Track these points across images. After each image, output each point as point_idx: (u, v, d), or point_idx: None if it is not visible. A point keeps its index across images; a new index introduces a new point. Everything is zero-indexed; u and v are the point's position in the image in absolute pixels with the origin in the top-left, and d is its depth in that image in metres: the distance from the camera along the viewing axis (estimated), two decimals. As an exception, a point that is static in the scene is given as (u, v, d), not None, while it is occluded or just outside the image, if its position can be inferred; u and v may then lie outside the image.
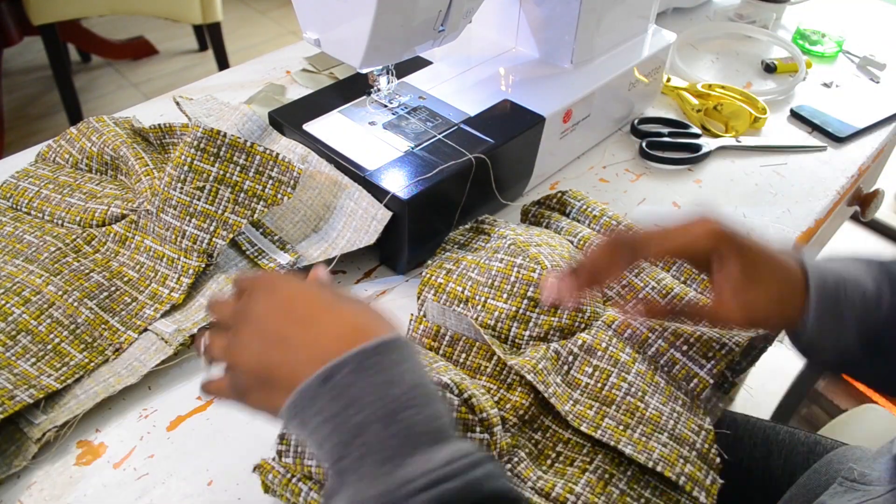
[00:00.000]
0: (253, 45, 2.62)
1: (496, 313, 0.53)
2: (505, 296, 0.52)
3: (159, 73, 2.42)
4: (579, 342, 0.51)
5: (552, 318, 0.52)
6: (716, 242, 0.42)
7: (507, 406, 0.48)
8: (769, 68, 0.98)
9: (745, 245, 0.43)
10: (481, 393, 0.46)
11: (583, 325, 0.54)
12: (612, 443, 0.46)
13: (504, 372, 0.50)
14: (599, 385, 0.50)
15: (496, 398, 0.48)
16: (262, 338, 0.35)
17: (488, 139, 0.64)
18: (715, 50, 1.03)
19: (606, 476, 0.46)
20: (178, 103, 0.76)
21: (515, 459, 0.45)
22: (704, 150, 0.80)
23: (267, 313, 0.36)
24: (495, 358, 0.50)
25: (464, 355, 0.51)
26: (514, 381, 0.49)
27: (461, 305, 0.54)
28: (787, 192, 0.77)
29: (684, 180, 0.78)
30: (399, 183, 0.59)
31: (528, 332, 0.52)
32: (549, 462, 0.47)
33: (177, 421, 0.51)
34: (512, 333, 0.53)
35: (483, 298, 0.53)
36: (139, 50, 2.47)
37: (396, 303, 0.61)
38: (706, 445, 0.48)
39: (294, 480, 0.44)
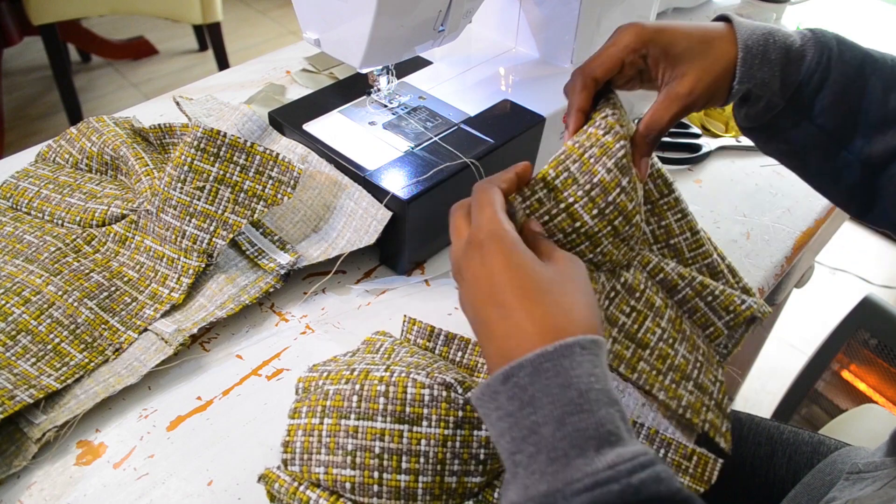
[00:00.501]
0: (253, 45, 2.62)
1: (546, 218, 0.53)
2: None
3: (159, 73, 2.42)
4: (622, 279, 0.52)
5: (615, 250, 0.53)
6: (638, 38, 0.47)
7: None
8: (769, 68, 0.98)
9: (664, 29, 0.48)
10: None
11: (626, 262, 0.54)
12: (647, 388, 0.47)
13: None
14: (636, 327, 0.50)
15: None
16: (471, 302, 0.38)
17: (488, 139, 0.64)
18: (715, 50, 1.03)
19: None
20: (178, 103, 0.76)
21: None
22: (704, 150, 0.80)
23: (474, 285, 0.38)
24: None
25: (460, 353, 0.51)
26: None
27: None
28: (787, 192, 0.77)
29: (684, 180, 0.78)
30: (399, 183, 0.59)
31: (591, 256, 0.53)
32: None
33: (177, 421, 0.51)
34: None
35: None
36: (139, 50, 2.47)
37: (396, 303, 0.61)
38: (720, 395, 0.50)
39: (302, 488, 0.43)
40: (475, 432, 0.43)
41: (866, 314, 1.08)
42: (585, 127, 0.47)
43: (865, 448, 0.64)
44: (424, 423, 0.41)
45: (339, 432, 0.42)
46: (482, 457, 0.43)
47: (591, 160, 0.45)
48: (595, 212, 0.44)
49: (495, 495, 0.44)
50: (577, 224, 0.44)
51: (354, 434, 0.41)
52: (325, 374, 0.46)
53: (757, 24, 0.48)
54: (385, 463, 0.41)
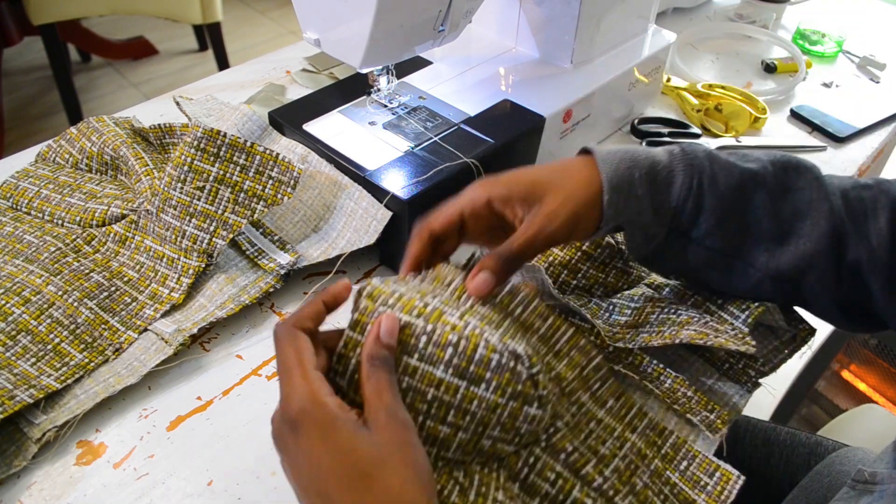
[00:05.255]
0: (253, 45, 2.62)
1: (550, 258, 0.57)
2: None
3: (159, 73, 2.42)
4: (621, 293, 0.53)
5: (600, 274, 0.57)
6: (481, 189, 0.45)
7: (552, 374, 0.47)
8: (769, 68, 0.98)
9: (510, 174, 0.45)
10: (541, 360, 0.45)
11: (626, 287, 0.57)
12: (643, 344, 0.47)
13: (556, 337, 0.49)
14: (635, 318, 0.51)
15: (545, 360, 0.47)
16: (297, 481, 0.34)
17: (488, 139, 0.64)
18: (715, 50, 1.03)
19: (632, 466, 0.46)
20: (178, 103, 0.76)
21: (552, 430, 0.45)
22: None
23: (295, 467, 0.35)
24: (550, 320, 0.48)
25: (520, 308, 0.48)
26: (563, 350, 0.48)
27: None
28: (787, 192, 0.77)
29: (684, 180, 0.78)
30: (399, 183, 0.59)
31: (574, 282, 0.57)
32: (582, 436, 0.47)
33: (177, 421, 0.51)
34: (560, 280, 0.57)
35: None
36: (139, 50, 2.47)
37: (396, 303, 0.61)
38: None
39: None
40: (525, 408, 0.42)
41: (866, 314, 1.07)
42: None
43: (864, 449, 0.64)
44: (483, 385, 0.40)
45: (398, 366, 0.40)
46: (522, 431, 0.42)
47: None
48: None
49: (520, 464, 0.44)
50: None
51: (412, 374, 0.40)
52: (396, 294, 0.42)
53: (618, 152, 0.46)
54: (433, 411, 0.40)
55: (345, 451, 0.33)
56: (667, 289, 0.54)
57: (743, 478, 0.45)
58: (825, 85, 0.97)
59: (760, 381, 0.52)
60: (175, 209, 0.58)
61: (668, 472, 0.47)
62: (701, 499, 0.46)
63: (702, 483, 0.46)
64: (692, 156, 0.45)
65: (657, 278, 0.56)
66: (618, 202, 0.44)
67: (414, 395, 0.40)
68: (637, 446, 0.47)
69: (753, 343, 0.48)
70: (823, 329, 1.20)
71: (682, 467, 0.47)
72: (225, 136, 0.58)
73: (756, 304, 0.51)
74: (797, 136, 0.86)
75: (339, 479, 0.33)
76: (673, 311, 0.51)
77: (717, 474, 0.46)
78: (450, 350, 0.40)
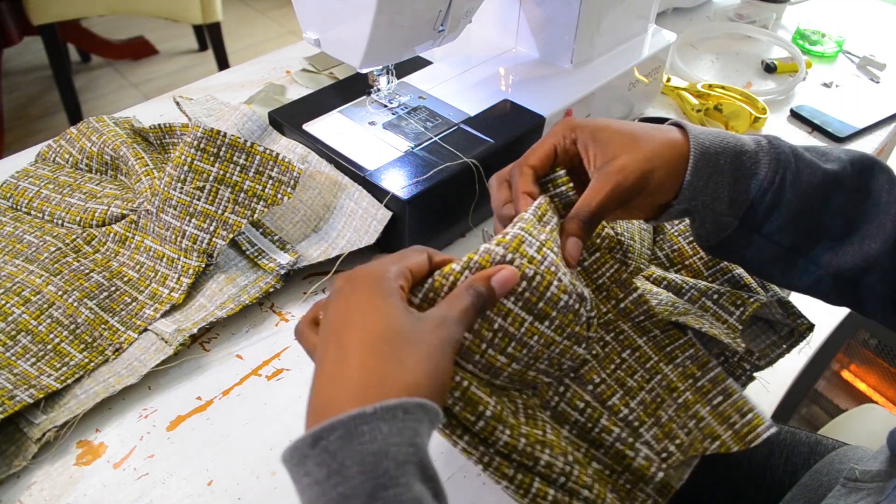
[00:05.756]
0: (253, 45, 2.62)
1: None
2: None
3: (159, 73, 2.42)
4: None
5: (601, 263, 0.53)
6: (566, 125, 0.46)
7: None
8: (769, 68, 0.98)
9: (598, 125, 0.46)
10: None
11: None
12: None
13: (601, 272, 0.49)
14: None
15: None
16: (326, 329, 0.36)
17: (488, 139, 0.64)
18: (715, 50, 1.03)
19: (658, 399, 0.46)
20: (178, 103, 0.76)
21: (578, 362, 0.45)
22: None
23: (334, 315, 0.36)
24: (596, 255, 0.49)
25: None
26: (605, 284, 0.49)
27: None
28: (787, 192, 0.77)
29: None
30: (399, 183, 0.59)
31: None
32: (612, 367, 0.47)
33: (177, 421, 0.51)
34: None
35: None
36: (139, 50, 2.47)
37: (396, 303, 0.61)
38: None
39: None
40: (575, 347, 0.43)
41: (866, 314, 1.08)
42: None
43: (863, 448, 0.64)
44: (546, 322, 0.41)
45: None
46: (565, 367, 0.43)
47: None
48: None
49: (550, 392, 0.45)
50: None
51: None
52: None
53: (709, 134, 0.45)
54: (496, 340, 0.40)
55: (383, 314, 0.34)
56: (664, 282, 0.54)
57: (775, 428, 0.45)
58: (825, 85, 0.97)
59: (755, 374, 0.53)
60: (175, 209, 0.58)
61: (698, 406, 0.47)
62: (727, 435, 0.45)
63: (731, 420, 0.46)
64: (779, 150, 0.45)
65: (656, 270, 0.56)
66: (697, 185, 0.44)
67: (482, 322, 0.40)
68: (668, 379, 0.48)
69: (743, 345, 0.49)
70: (823, 328, 1.20)
71: (714, 402, 0.47)
72: (225, 136, 0.58)
73: (752, 299, 0.51)
74: (797, 136, 0.86)
75: (363, 334, 0.33)
76: (670, 304, 0.51)
77: (749, 416, 0.45)
78: (523, 284, 0.40)
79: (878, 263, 0.44)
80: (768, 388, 0.53)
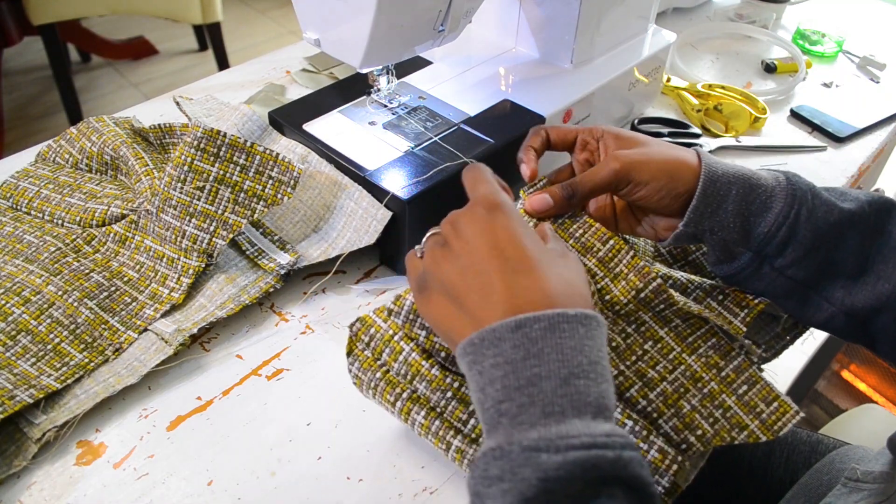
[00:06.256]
0: (253, 45, 2.62)
1: None
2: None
3: (159, 73, 2.42)
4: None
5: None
6: (601, 133, 0.50)
7: (607, 297, 0.47)
8: (769, 68, 0.98)
9: (623, 131, 0.50)
10: (594, 284, 0.46)
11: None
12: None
13: (615, 260, 0.49)
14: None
15: (599, 286, 0.48)
16: (468, 258, 0.37)
17: (488, 139, 0.64)
18: (715, 50, 1.03)
19: (682, 390, 0.46)
20: (178, 103, 0.76)
21: None
22: (705, 149, 0.80)
23: (478, 239, 0.37)
24: (611, 242, 0.49)
25: (580, 231, 0.49)
26: (623, 273, 0.48)
27: None
28: (787, 192, 0.77)
29: (684, 180, 0.78)
30: (399, 183, 0.59)
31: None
32: (633, 358, 0.47)
33: (177, 421, 0.51)
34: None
35: None
36: (139, 50, 2.47)
37: (396, 303, 0.61)
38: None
39: (397, 338, 0.44)
40: None
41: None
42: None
43: (864, 447, 0.64)
44: None
45: None
46: None
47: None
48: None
49: None
50: None
51: None
52: None
53: (724, 165, 0.46)
54: None
55: (534, 239, 0.38)
56: (669, 281, 0.54)
57: (801, 414, 0.45)
58: (825, 85, 0.97)
59: (763, 367, 0.53)
60: (175, 209, 0.58)
61: (723, 396, 0.47)
62: (754, 425, 0.45)
63: (758, 409, 0.46)
64: (796, 186, 0.46)
65: (661, 268, 0.55)
66: (704, 210, 0.45)
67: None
68: (692, 369, 0.47)
69: (748, 341, 0.49)
70: (823, 329, 1.20)
71: (740, 391, 0.47)
72: (225, 136, 0.58)
73: (757, 300, 0.51)
74: (797, 136, 0.86)
75: (527, 251, 0.36)
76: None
77: (775, 404, 0.45)
78: None
79: (891, 304, 0.45)
80: (770, 374, 0.53)
